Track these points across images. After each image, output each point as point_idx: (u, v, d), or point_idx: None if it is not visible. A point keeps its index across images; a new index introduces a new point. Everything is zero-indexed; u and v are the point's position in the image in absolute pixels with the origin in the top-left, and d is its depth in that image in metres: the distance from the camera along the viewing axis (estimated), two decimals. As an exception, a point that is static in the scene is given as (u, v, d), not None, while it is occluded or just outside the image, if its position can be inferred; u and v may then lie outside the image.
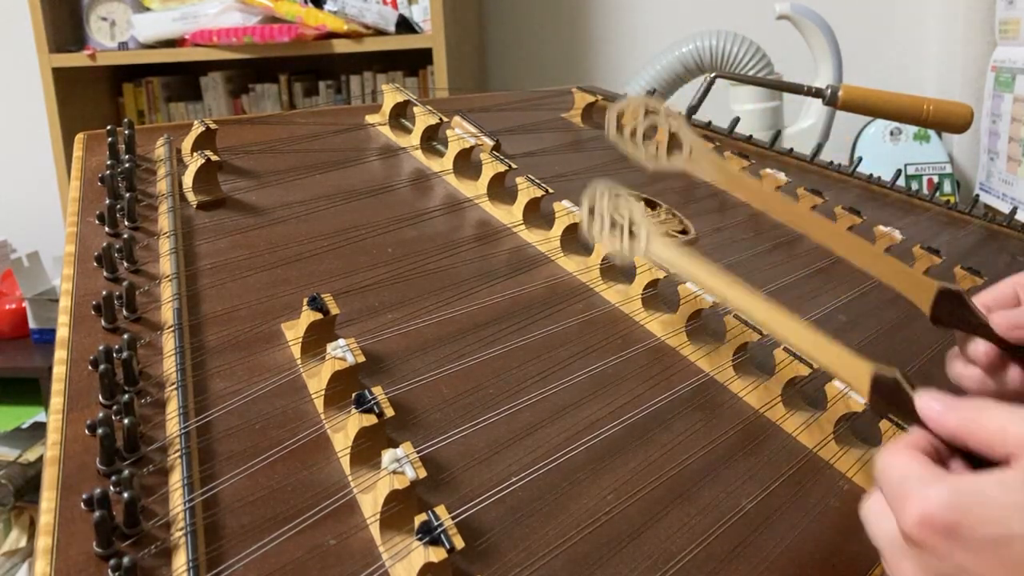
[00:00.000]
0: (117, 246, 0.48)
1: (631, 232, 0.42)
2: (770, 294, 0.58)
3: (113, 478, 0.34)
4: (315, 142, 0.66)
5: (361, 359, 0.40)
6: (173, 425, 0.38)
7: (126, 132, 0.58)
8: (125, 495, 0.33)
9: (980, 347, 0.43)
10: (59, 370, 0.40)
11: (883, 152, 1.67)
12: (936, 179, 1.66)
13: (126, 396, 0.37)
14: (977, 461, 0.32)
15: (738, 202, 0.75)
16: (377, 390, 0.38)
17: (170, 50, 1.80)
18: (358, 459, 0.37)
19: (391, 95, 0.69)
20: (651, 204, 0.69)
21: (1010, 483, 0.29)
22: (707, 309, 0.51)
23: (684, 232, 0.66)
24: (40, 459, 1.06)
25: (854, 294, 0.63)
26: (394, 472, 0.34)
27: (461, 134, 0.64)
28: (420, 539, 0.32)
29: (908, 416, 0.34)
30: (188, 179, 0.55)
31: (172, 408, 0.38)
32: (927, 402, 0.33)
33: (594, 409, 0.45)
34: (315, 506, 0.36)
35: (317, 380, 0.41)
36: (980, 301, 0.43)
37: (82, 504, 0.33)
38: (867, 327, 0.60)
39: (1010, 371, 0.43)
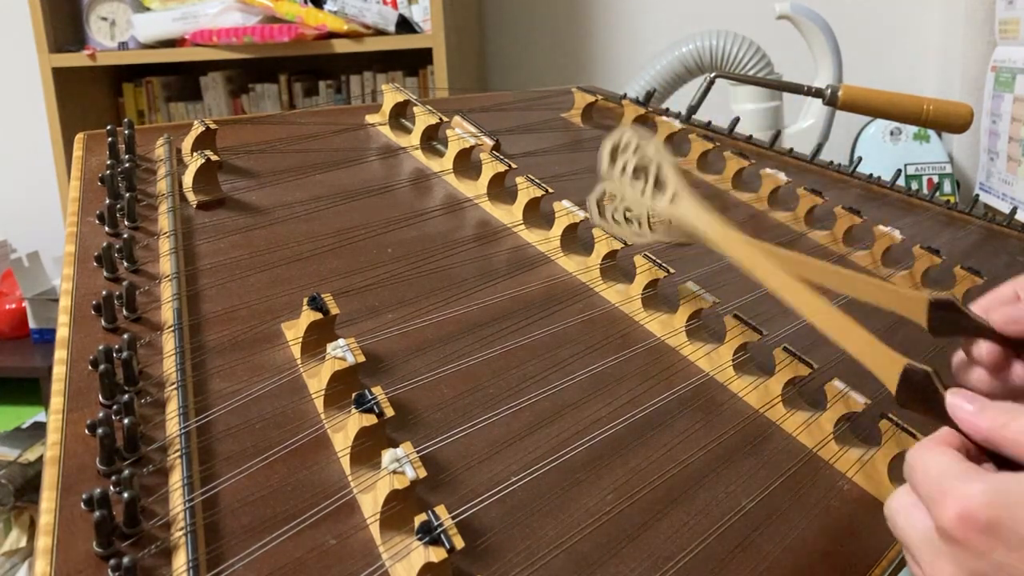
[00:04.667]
0: (117, 246, 0.48)
1: (656, 182, 0.40)
2: (770, 294, 0.58)
3: (113, 478, 0.34)
4: (315, 142, 0.66)
5: (361, 359, 0.40)
6: (173, 425, 0.38)
7: (126, 132, 0.58)
8: (125, 495, 0.33)
9: (983, 348, 0.42)
10: (59, 370, 0.40)
11: (883, 152, 1.67)
12: (936, 179, 1.66)
13: (126, 396, 0.37)
14: (1007, 464, 0.31)
15: (738, 202, 0.75)
16: (377, 390, 0.38)
17: (170, 50, 1.80)
18: (358, 459, 0.37)
19: (391, 95, 0.69)
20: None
21: None
22: (707, 309, 0.51)
23: (684, 232, 0.66)
24: (40, 459, 1.06)
25: (854, 294, 0.63)
26: (394, 472, 0.34)
27: (461, 134, 0.64)
28: (420, 539, 0.32)
29: (936, 414, 0.33)
30: (188, 179, 0.55)
31: (172, 408, 0.38)
32: (959, 402, 0.33)
33: (594, 409, 0.45)
34: (315, 506, 0.36)
35: (317, 380, 0.41)
36: (980, 304, 0.43)
37: (82, 504, 0.33)
38: (866, 327, 0.60)
39: (1015, 369, 0.42)
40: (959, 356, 0.44)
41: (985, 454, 0.32)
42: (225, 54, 1.75)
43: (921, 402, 0.35)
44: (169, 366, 0.41)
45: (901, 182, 0.92)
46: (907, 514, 0.32)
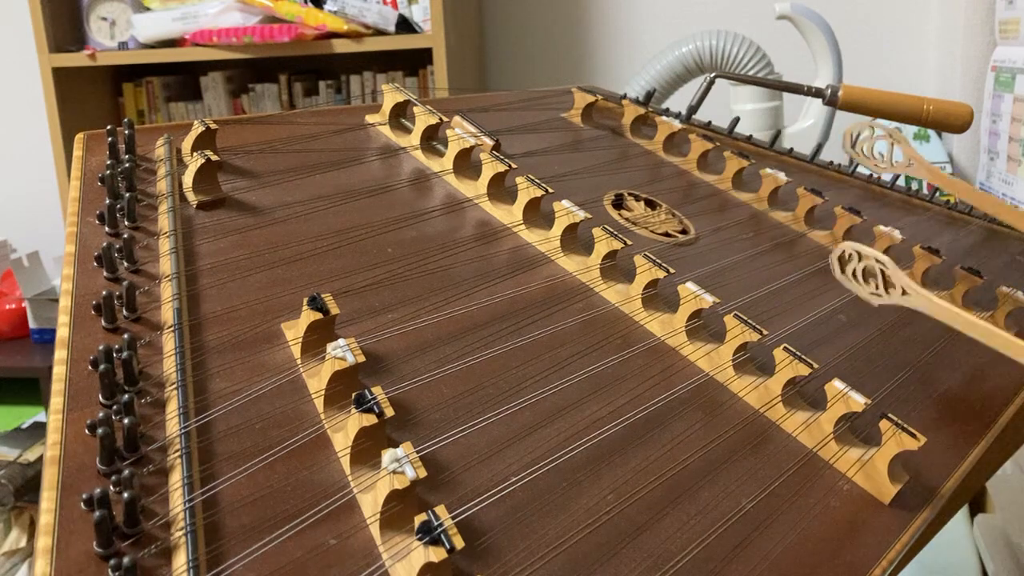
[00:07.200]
0: (117, 246, 0.48)
1: (886, 283, 0.50)
2: (770, 294, 0.58)
3: (113, 478, 0.34)
4: (315, 142, 0.66)
5: (361, 359, 0.40)
6: (173, 425, 0.38)
7: (126, 132, 0.58)
8: (125, 495, 0.33)
9: None
10: (59, 370, 0.40)
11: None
12: (936, 179, 1.66)
13: (126, 396, 0.37)
14: None
15: (738, 202, 0.75)
16: (377, 390, 0.38)
17: (170, 50, 1.80)
18: (358, 459, 0.37)
19: (391, 95, 0.69)
20: (651, 204, 0.69)
21: None
22: (707, 309, 0.51)
23: (684, 232, 0.66)
24: (40, 459, 1.06)
25: (854, 294, 0.63)
26: (394, 472, 0.34)
27: (461, 134, 0.64)
28: (420, 539, 0.32)
29: None
30: (188, 179, 0.55)
31: (172, 408, 0.38)
32: None
33: (594, 409, 0.45)
34: (315, 506, 0.36)
35: (317, 380, 0.41)
36: None
37: (82, 504, 0.33)
38: (867, 327, 0.60)
39: None
40: None
41: None
42: (225, 54, 1.75)
43: None
44: (169, 366, 0.41)
45: (901, 182, 0.92)
46: None
